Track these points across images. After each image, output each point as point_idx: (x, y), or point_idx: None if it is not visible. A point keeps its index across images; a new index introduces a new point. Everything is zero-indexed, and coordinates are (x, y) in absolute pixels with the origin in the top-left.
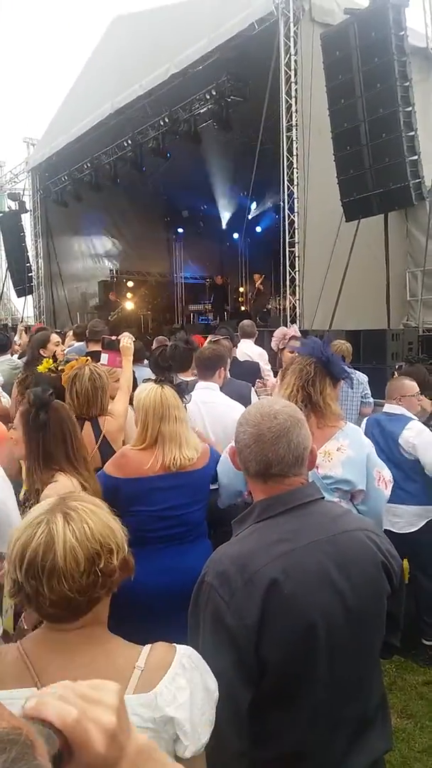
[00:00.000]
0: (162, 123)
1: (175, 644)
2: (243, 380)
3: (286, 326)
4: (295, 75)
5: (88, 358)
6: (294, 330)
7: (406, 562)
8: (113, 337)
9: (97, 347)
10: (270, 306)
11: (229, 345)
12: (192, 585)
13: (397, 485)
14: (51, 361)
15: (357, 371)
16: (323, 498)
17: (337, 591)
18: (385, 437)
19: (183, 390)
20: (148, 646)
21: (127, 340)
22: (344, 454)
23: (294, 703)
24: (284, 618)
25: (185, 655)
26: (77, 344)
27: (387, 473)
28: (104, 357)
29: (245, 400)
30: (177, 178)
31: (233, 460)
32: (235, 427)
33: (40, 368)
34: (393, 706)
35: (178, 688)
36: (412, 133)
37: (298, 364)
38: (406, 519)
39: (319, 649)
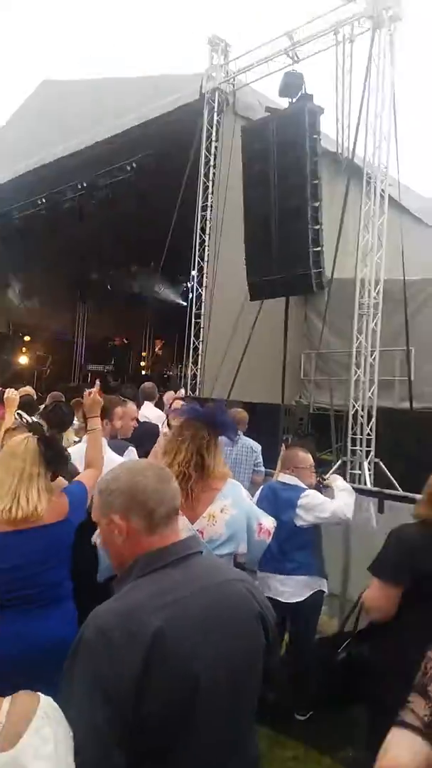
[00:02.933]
0: (80, 186)
1: (38, 693)
2: (141, 441)
3: (176, 391)
4: (214, 159)
5: None
6: (180, 393)
7: (287, 636)
8: None
9: None
10: (171, 372)
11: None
12: (44, 653)
13: (285, 556)
14: None
15: (251, 440)
16: (201, 552)
17: (220, 641)
18: (279, 505)
19: (54, 444)
20: (9, 697)
21: (10, 391)
22: (228, 514)
23: (169, 759)
24: (167, 668)
25: (48, 704)
26: None
27: (267, 522)
28: None
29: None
30: (89, 240)
31: (109, 528)
32: (102, 494)
33: None
34: None
35: (43, 741)
36: (318, 227)
37: (191, 430)
38: (293, 589)
39: (199, 702)
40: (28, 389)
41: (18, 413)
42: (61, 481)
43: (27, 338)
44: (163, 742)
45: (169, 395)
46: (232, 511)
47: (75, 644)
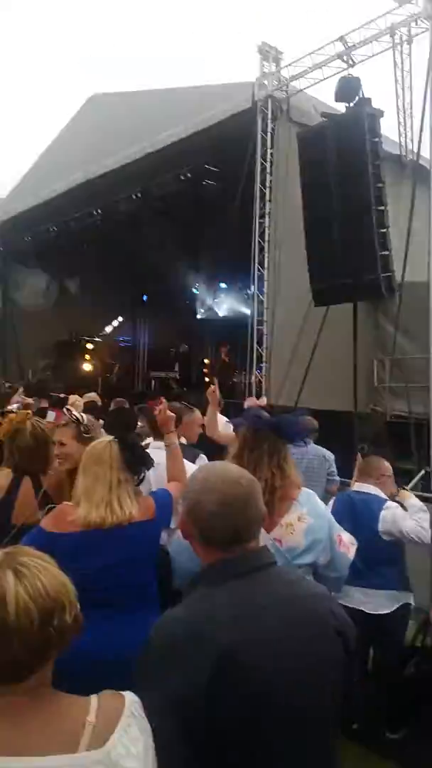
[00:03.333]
0: (134, 197)
1: (121, 692)
2: (209, 448)
3: (257, 398)
4: (271, 167)
5: (29, 412)
6: (263, 401)
7: (371, 651)
8: (61, 395)
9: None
10: (236, 380)
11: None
12: (128, 654)
13: (371, 570)
14: None
15: (323, 448)
16: (275, 563)
17: (292, 658)
18: (358, 516)
19: (138, 451)
20: (95, 697)
21: (74, 398)
22: (305, 522)
23: None
24: (235, 687)
25: (134, 701)
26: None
27: (347, 536)
28: (51, 414)
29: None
30: (146, 250)
31: (182, 528)
32: (186, 495)
33: None
34: None
35: (132, 739)
36: (384, 230)
37: (267, 441)
38: (380, 601)
39: (270, 720)
40: (93, 396)
41: (66, 408)
42: None
43: (89, 346)
44: (235, 759)
45: (251, 401)
46: (309, 520)
47: (144, 650)
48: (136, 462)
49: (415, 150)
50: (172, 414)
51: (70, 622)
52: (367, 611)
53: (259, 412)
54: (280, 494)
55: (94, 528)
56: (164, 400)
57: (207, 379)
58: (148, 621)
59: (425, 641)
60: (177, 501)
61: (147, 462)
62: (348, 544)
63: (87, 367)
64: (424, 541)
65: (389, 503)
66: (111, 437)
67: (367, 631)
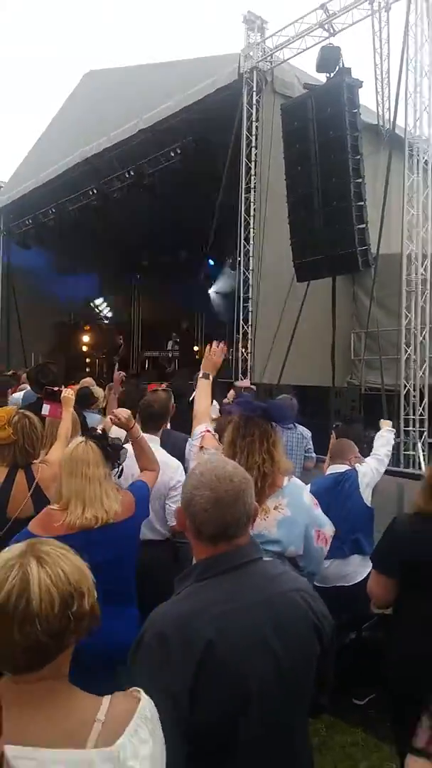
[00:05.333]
0: (127, 175)
1: (136, 693)
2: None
3: (238, 380)
4: (256, 140)
5: (15, 407)
6: (245, 382)
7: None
8: (55, 388)
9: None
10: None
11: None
12: (114, 645)
13: (343, 541)
14: None
15: (302, 426)
16: (261, 557)
17: (271, 653)
18: (344, 493)
19: (114, 446)
20: (108, 697)
21: (67, 391)
22: (280, 513)
23: (220, 761)
24: (218, 680)
25: (147, 705)
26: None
27: (327, 529)
28: (45, 407)
29: (180, 452)
30: (138, 229)
31: (179, 520)
32: (184, 488)
33: None
34: (322, 767)
35: (141, 741)
36: (361, 203)
37: (258, 428)
38: (353, 569)
39: (250, 712)
40: (88, 381)
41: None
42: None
43: (87, 327)
44: (215, 746)
45: (241, 383)
46: (286, 512)
47: (135, 645)
48: (114, 457)
49: (392, 120)
50: (128, 416)
51: (87, 608)
52: (346, 584)
53: (249, 398)
54: (270, 480)
55: (81, 530)
56: (89, 379)
57: (197, 357)
58: (126, 613)
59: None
60: (152, 487)
61: (122, 456)
62: (326, 537)
63: (85, 349)
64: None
65: (359, 469)
66: (83, 438)
67: (345, 602)
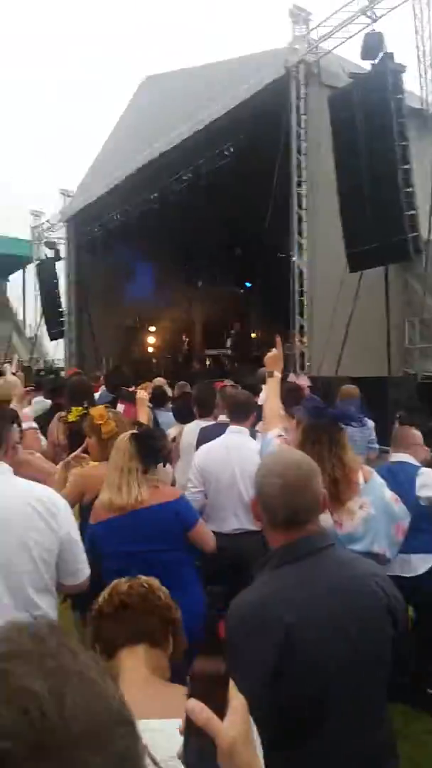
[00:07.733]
0: (185, 177)
1: None
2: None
3: (295, 373)
4: (305, 133)
5: (106, 405)
6: (304, 380)
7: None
8: (130, 389)
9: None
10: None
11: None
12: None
13: (411, 534)
14: (81, 409)
15: (365, 417)
16: (334, 544)
17: (348, 638)
18: (399, 485)
19: (155, 437)
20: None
21: (141, 392)
22: (366, 512)
23: (300, 748)
24: (297, 663)
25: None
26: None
27: (405, 523)
28: (120, 407)
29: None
30: (195, 229)
31: (254, 511)
32: (255, 479)
33: (71, 417)
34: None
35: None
36: (410, 189)
37: (327, 433)
38: (415, 564)
39: (329, 695)
40: (160, 380)
41: None
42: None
43: (152, 328)
44: (294, 735)
45: (302, 380)
46: (370, 510)
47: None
48: (148, 454)
49: None
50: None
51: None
52: (405, 575)
53: (318, 403)
54: (344, 484)
55: (118, 513)
56: (161, 378)
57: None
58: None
59: None
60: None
61: (158, 455)
62: (404, 530)
63: (151, 350)
64: None
65: (423, 469)
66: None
67: (407, 594)
